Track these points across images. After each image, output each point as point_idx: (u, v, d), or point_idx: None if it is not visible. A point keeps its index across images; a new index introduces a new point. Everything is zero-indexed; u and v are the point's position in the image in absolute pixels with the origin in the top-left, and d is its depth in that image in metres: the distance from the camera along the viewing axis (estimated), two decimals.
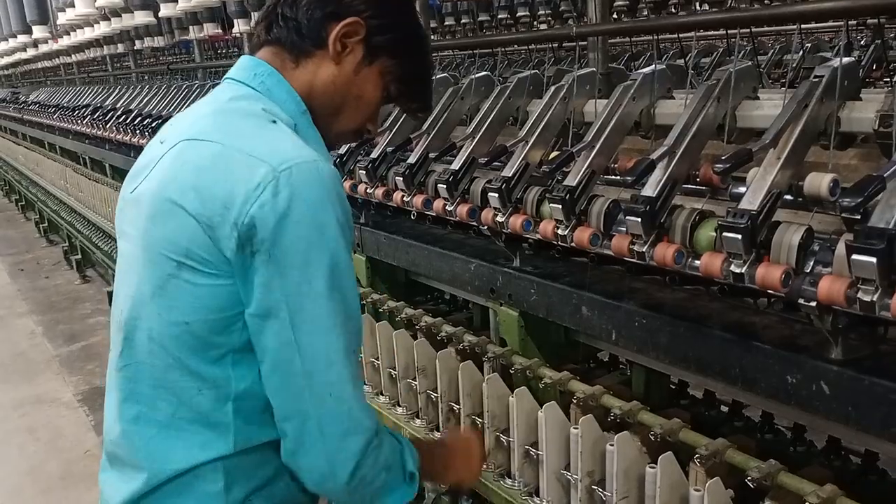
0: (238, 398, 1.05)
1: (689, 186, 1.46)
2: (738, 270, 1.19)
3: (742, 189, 1.36)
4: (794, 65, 2.37)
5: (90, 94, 6.13)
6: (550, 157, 1.58)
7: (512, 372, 1.78)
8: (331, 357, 1.01)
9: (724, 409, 2.20)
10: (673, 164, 1.34)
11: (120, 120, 4.49)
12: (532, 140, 1.66)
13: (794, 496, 1.30)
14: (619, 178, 1.61)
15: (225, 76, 1.18)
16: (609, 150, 1.53)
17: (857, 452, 1.90)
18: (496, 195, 1.64)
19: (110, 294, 5.98)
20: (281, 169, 0.97)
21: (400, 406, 2.16)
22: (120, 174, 5.54)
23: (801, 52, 2.82)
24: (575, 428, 1.55)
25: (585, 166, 1.49)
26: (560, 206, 1.47)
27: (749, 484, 1.29)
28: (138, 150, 4.39)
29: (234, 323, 1.02)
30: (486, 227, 1.76)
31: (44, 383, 4.81)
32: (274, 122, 1.07)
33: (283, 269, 0.97)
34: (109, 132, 4.68)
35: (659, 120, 1.56)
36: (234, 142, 1.02)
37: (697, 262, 1.29)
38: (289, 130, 1.07)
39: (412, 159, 1.96)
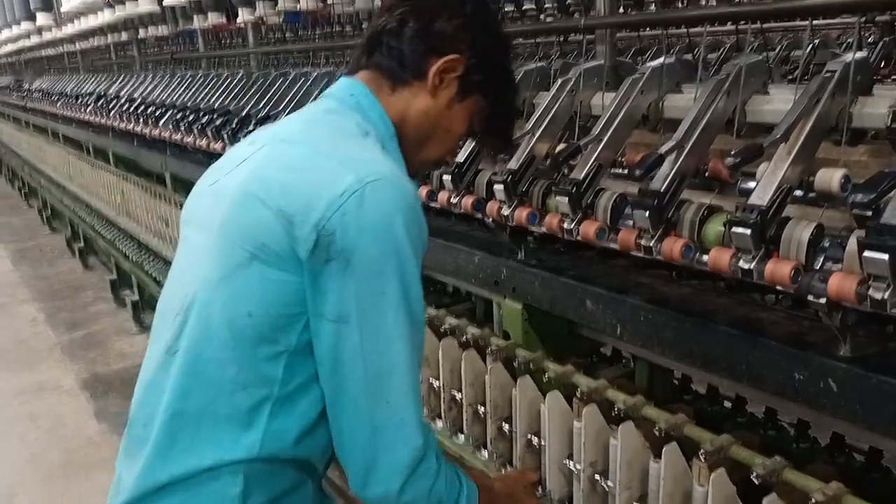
0: (277, 402, 1.05)
1: (698, 181, 1.45)
2: (746, 266, 1.18)
3: (751, 184, 1.35)
4: (804, 59, 2.35)
5: (93, 82, 6.11)
6: (557, 151, 1.56)
7: (515, 365, 1.77)
8: (393, 366, 1.04)
9: (728, 404, 2.20)
10: (682, 158, 1.33)
11: (123, 108, 4.48)
12: (539, 133, 1.65)
13: (799, 493, 1.29)
14: (626, 171, 1.59)
15: (322, 94, 1.23)
16: (617, 143, 1.52)
17: (861, 450, 1.90)
18: (501, 188, 1.63)
19: (112, 282, 6.02)
20: (368, 180, 1.00)
21: None
22: (124, 163, 5.54)
23: (810, 47, 2.80)
24: (578, 421, 1.54)
25: (593, 159, 1.48)
26: (567, 200, 1.46)
27: (754, 480, 1.29)
28: (141, 138, 4.38)
29: (296, 322, 1.04)
30: (490, 220, 1.76)
31: (45, 371, 4.82)
32: (367, 134, 1.12)
33: (358, 278, 1.00)
34: (113, 120, 4.67)
35: (667, 114, 1.55)
36: (323, 148, 1.06)
37: (705, 258, 1.29)
38: (378, 146, 1.11)
39: None
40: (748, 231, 1.15)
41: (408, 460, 1.05)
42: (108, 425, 4.05)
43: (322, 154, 1.05)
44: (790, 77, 2.17)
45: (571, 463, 1.58)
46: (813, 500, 1.17)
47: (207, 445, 1.05)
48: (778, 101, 1.38)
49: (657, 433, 1.41)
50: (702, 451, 1.34)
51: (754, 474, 1.25)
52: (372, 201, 0.99)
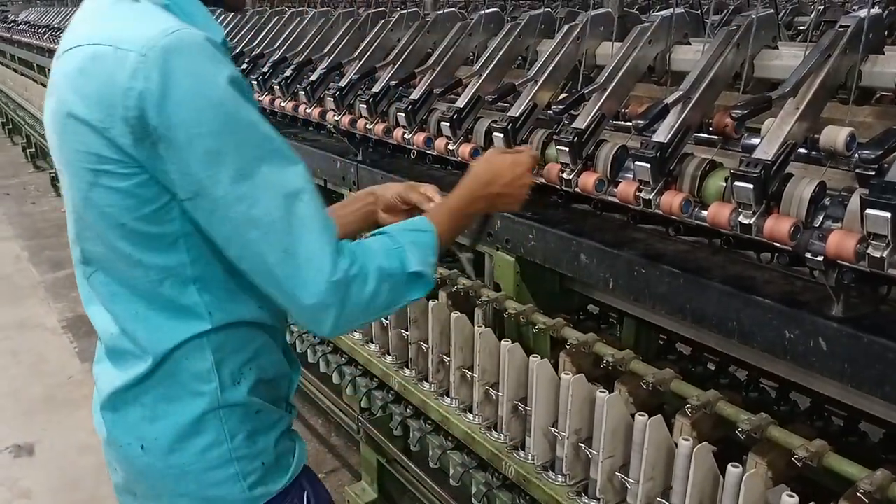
0: (198, 279, 1.06)
1: (699, 136, 1.43)
2: (746, 221, 1.17)
3: (755, 140, 1.33)
4: (812, 19, 2.33)
5: None
6: (559, 99, 1.53)
7: (505, 317, 1.76)
8: (269, 215, 0.99)
9: (711, 367, 2.22)
10: (687, 110, 1.30)
11: None
12: (541, 80, 1.62)
13: (778, 451, 1.31)
14: (627, 123, 1.57)
15: None
16: (621, 93, 1.49)
17: (839, 414, 1.93)
18: (501, 136, 1.61)
19: None
20: (145, 52, 0.96)
21: (389, 355, 2.15)
22: None
23: (820, 8, 2.77)
24: (566, 374, 1.54)
25: (596, 109, 1.45)
26: (567, 149, 1.43)
27: (739, 436, 1.30)
28: None
29: (168, 212, 1.02)
30: None
31: (29, 308, 4.78)
32: (137, 0, 1.05)
33: (188, 148, 0.96)
34: None
35: (674, 66, 1.52)
36: (103, 38, 1.01)
37: (704, 213, 1.27)
38: (152, 7, 1.05)
39: (415, 95, 1.91)
40: (751, 185, 1.13)
41: (329, 294, 1.01)
42: (91, 365, 4.02)
43: (103, 44, 0.99)
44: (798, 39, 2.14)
45: (556, 430, 1.59)
46: (796, 456, 1.18)
47: (165, 334, 1.07)
48: (787, 57, 1.35)
49: (645, 387, 1.41)
50: (688, 405, 1.35)
51: (739, 430, 1.26)
52: (158, 69, 0.94)
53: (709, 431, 1.45)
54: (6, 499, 2.97)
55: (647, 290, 1.48)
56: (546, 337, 1.90)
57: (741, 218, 1.17)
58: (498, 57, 1.79)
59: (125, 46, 0.97)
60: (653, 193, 1.31)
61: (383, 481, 2.54)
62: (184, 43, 0.97)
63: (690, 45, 1.54)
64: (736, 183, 1.15)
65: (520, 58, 1.89)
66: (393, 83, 1.96)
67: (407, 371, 2.08)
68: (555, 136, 1.48)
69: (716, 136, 1.40)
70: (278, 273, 1.01)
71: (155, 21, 1.00)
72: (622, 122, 1.60)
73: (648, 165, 1.28)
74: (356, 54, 2.22)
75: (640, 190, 1.33)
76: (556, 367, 1.65)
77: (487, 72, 1.77)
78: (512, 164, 1.29)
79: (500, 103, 1.85)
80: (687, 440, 1.33)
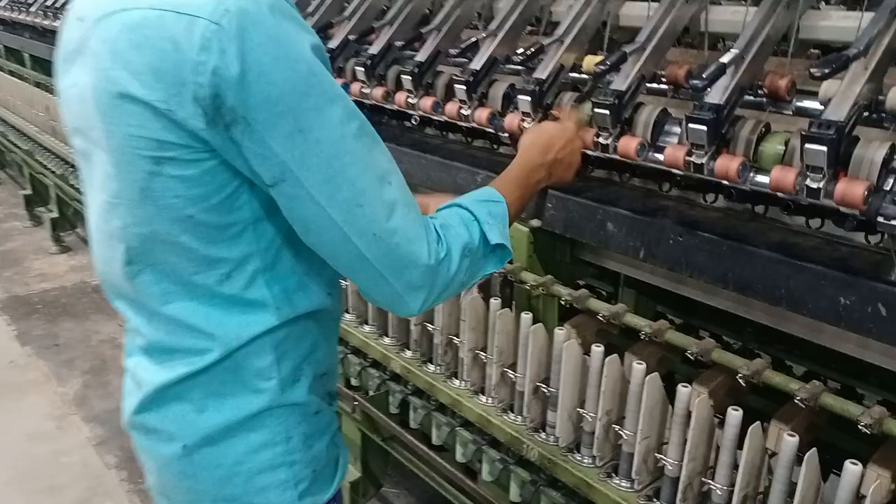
0: (267, 269, 0.98)
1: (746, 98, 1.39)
2: (814, 185, 1.13)
3: (808, 104, 1.30)
4: None
5: None
6: (597, 60, 1.46)
7: (527, 289, 1.70)
8: (359, 198, 0.91)
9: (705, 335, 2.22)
10: (741, 70, 1.26)
11: (48, 4, 4.02)
12: (568, 41, 1.54)
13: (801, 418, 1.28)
14: (660, 86, 1.52)
15: None
16: (659, 55, 1.43)
17: (836, 381, 1.95)
18: (528, 99, 1.52)
19: (26, 198, 5.51)
20: (217, 19, 0.83)
21: (389, 336, 2.05)
22: (42, 66, 5.05)
23: None
24: (597, 346, 1.49)
25: (635, 70, 1.39)
26: (608, 113, 1.37)
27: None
28: None
29: (238, 197, 0.93)
30: (506, 135, 1.65)
31: None
32: None
33: (269, 130, 0.86)
34: (34, 17, 4.19)
35: (711, 27, 1.47)
36: (159, 1, 0.87)
37: (759, 178, 1.24)
38: None
39: (422, 56, 1.80)
40: (825, 148, 1.09)
41: (420, 276, 0.96)
42: (33, 348, 3.78)
43: (162, 8, 0.86)
44: None
45: (586, 411, 1.53)
46: (861, 424, 1.17)
47: (229, 331, 0.99)
48: (836, 17, 1.32)
49: (692, 357, 1.38)
50: (739, 374, 1.32)
51: (797, 398, 1.24)
52: (235, 41, 0.83)
53: (724, 399, 1.42)
54: None
55: (685, 259, 1.44)
56: (555, 308, 1.84)
57: (809, 182, 1.14)
58: (514, 17, 1.70)
59: (189, 11, 0.83)
60: (706, 158, 1.26)
61: (367, 461, 2.46)
62: (261, 5, 0.84)
63: (721, 5, 1.50)
64: (807, 145, 1.11)
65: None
66: (399, 43, 1.85)
67: (408, 353, 1.99)
68: (593, 99, 1.41)
69: (763, 99, 1.35)
70: (368, 256, 0.93)
71: None
72: (654, 86, 1.54)
73: (705, 128, 1.23)
74: (346, 14, 2.09)
75: (690, 154, 1.28)
76: None
77: (503, 32, 1.68)
78: (561, 128, 1.32)
79: (508, 67, 1.77)
80: (737, 411, 1.30)
